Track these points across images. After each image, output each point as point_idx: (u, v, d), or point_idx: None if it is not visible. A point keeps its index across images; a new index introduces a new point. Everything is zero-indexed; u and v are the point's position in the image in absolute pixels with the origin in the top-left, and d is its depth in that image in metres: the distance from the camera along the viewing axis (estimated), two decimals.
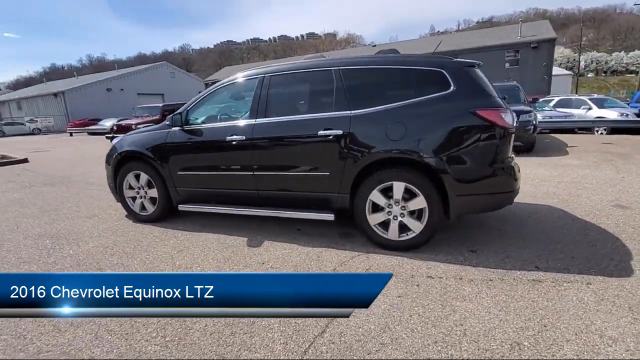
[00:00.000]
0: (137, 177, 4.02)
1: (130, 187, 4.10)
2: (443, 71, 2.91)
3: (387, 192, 2.97)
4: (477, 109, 2.74)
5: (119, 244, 3.46)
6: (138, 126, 12.06)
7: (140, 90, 37.01)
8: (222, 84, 3.79)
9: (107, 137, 14.87)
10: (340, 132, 3.02)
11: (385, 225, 3.04)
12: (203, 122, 3.78)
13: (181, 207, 3.85)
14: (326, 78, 3.22)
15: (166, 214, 4.03)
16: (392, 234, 3.01)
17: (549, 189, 4.87)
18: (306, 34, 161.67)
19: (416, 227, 2.95)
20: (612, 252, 2.86)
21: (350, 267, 2.81)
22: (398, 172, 2.91)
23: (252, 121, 3.39)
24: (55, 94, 34.51)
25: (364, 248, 3.11)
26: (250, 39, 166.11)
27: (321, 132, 3.08)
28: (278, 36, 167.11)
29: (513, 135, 2.89)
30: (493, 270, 2.64)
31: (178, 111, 3.77)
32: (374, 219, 3.05)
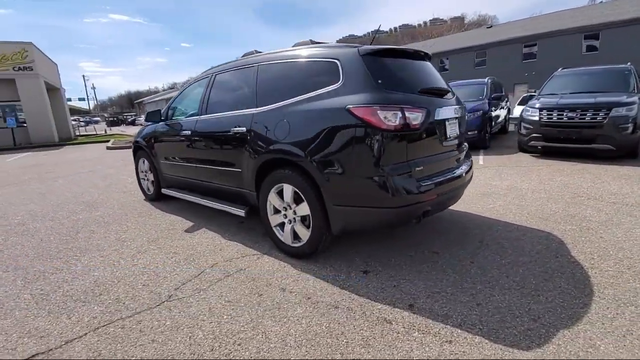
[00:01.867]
0: (144, 163, 4.79)
1: (140, 172, 4.93)
2: (337, 61, 2.50)
3: (282, 195, 2.78)
4: (353, 105, 2.27)
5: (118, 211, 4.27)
6: None
7: None
8: (195, 79, 4.10)
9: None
10: (244, 129, 2.97)
11: (283, 228, 2.87)
12: (175, 117, 4.19)
13: (164, 191, 4.43)
14: (250, 75, 3.16)
15: (160, 196, 4.66)
16: (287, 238, 2.82)
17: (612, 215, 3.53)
18: (429, 20, 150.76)
19: (304, 235, 2.69)
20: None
21: (235, 263, 2.78)
22: (286, 174, 2.68)
23: (197, 118, 3.62)
24: None
25: (270, 249, 3.00)
26: (371, 31, 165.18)
27: (232, 130, 3.08)
28: (399, 25, 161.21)
29: (399, 137, 2.26)
30: (355, 298, 2.21)
31: (167, 105, 4.30)
32: (274, 220, 2.91)
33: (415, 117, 2.29)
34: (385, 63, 2.48)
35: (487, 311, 1.99)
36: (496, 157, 6.79)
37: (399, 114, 2.21)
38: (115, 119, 50.52)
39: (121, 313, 2.16)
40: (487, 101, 7.86)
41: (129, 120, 48.34)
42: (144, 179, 4.88)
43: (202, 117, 3.55)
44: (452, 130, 2.74)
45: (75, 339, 1.93)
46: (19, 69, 16.51)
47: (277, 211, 2.87)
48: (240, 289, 2.39)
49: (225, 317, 2.08)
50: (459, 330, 1.84)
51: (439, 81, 2.87)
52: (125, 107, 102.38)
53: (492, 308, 2.02)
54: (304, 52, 2.77)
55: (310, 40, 2.95)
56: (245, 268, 2.70)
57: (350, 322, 1.96)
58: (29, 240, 3.56)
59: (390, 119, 2.19)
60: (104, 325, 2.04)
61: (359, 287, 2.34)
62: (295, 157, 2.55)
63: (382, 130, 2.18)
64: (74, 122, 27.95)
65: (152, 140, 4.39)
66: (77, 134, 24.72)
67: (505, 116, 10.15)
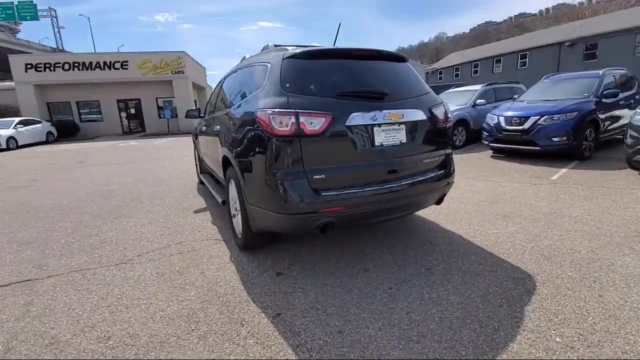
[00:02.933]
0: (195, 152, 5.72)
1: (195, 160, 5.91)
2: (267, 65, 2.52)
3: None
4: (259, 109, 2.27)
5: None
6: None
7: None
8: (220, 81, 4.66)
9: None
10: (218, 128, 3.29)
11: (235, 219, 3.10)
12: (206, 115, 4.84)
13: (200, 177, 5.21)
14: (231, 79, 3.48)
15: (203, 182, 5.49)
16: (237, 229, 3.03)
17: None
18: None
19: (239, 230, 2.85)
20: None
21: (194, 245, 3.17)
22: (230, 171, 2.89)
23: (210, 115, 4.15)
24: None
25: (230, 238, 3.28)
26: (514, 16, 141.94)
27: (215, 129, 3.45)
28: (552, 6, 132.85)
29: (293, 143, 2.14)
30: (243, 294, 2.27)
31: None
32: (232, 210, 3.16)
33: (314, 123, 2.14)
34: (306, 66, 2.38)
35: (341, 345, 1.78)
36: (587, 172, 5.18)
37: (292, 119, 2.12)
38: None
39: (93, 265, 2.82)
40: (594, 100, 6.03)
41: None
42: (196, 166, 5.82)
43: (209, 115, 4.06)
44: (387, 137, 2.40)
45: (57, 275, 2.65)
46: (175, 72, 21.20)
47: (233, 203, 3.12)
48: (176, 265, 2.75)
49: (142, 284, 2.47)
50: (290, 351, 1.73)
51: (380, 83, 2.54)
52: None
53: (346, 346, 1.79)
54: (254, 59, 2.90)
55: (274, 44, 3.01)
56: (197, 249, 3.05)
57: (215, 315, 2.07)
58: (101, 202, 4.81)
59: (283, 124, 2.13)
60: (76, 271, 2.71)
61: (257, 285, 2.38)
62: (230, 157, 2.73)
63: (275, 135, 2.15)
64: None
65: (195, 133, 5.22)
66: None
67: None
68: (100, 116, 21.89)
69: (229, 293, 2.30)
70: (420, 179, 2.55)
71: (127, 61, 20.58)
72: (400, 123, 2.43)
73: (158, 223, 3.80)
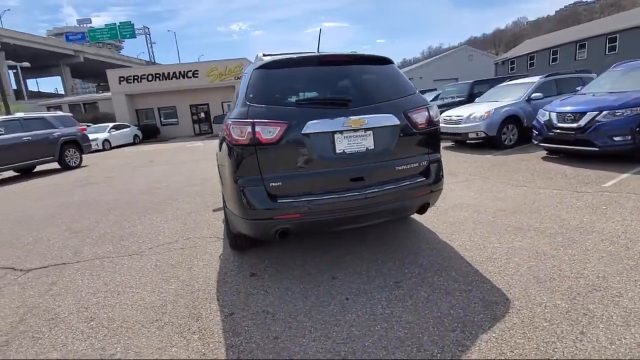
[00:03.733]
0: None
1: None
2: (246, 75, 2.65)
3: None
4: (227, 119, 2.42)
5: None
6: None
7: (435, 77, 39.32)
8: None
9: None
10: (219, 134, 3.52)
11: None
12: None
13: None
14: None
15: None
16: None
17: None
18: None
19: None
20: None
21: (197, 241, 3.46)
22: None
23: None
24: None
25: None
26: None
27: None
28: None
29: (250, 151, 2.22)
30: (211, 291, 2.43)
31: None
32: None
33: (269, 132, 2.18)
34: (274, 76, 2.42)
35: (270, 351, 1.82)
36: None
37: (249, 129, 2.19)
38: None
39: (114, 254, 3.28)
40: None
41: None
42: None
43: None
44: (350, 144, 2.31)
45: (84, 261, 3.16)
46: (237, 77, 22.76)
47: None
48: (174, 259, 3.05)
49: (139, 274, 2.81)
50: (223, 350, 1.83)
51: (347, 89, 2.47)
52: None
53: (274, 352, 1.81)
54: (247, 69, 3.02)
55: (263, 54, 3.10)
56: (198, 246, 3.33)
57: (180, 309, 2.26)
58: (147, 198, 5.48)
59: (242, 133, 2.21)
60: (98, 258, 3.19)
61: (229, 284, 2.52)
62: (217, 163, 2.92)
63: (236, 144, 2.25)
64: None
65: None
66: None
67: None
68: (176, 120, 24.65)
69: (202, 289, 2.49)
70: (392, 187, 2.41)
71: (197, 70, 22.78)
72: (366, 129, 2.34)
73: (179, 220, 4.22)
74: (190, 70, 22.81)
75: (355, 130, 2.31)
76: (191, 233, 3.70)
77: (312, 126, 2.23)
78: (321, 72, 2.52)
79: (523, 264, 2.47)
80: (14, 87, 42.84)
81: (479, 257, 2.62)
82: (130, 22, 36.70)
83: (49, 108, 23.94)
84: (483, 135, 7.38)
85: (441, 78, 38.39)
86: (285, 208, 2.22)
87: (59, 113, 11.44)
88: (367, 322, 1.96)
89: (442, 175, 2.68)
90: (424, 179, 2.55)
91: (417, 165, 2.54)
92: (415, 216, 3.47)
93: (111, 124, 19.06)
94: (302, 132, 2.23)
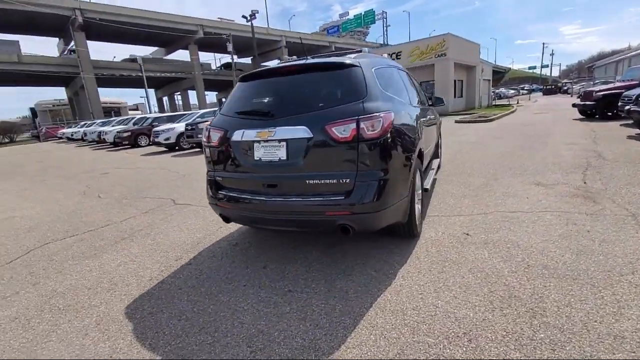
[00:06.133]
0: None
1: None
2: None
3: None
4: None
5: None
6: None
7: None
8: None
9: None
10: None
11: None
12: None
13: None
14: None
15: None
16: None
17: None
18: None
19: None
20: None
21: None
22: None
23: None
24: None
25: None
26: None
27: None
28: None
29: (207, 150, 2.81)
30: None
31: None
32: None
33: (215, 136, 2.70)
34: (243, 87, 2.85)
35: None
36: None
37: (207, 132, 2.79)
38: (552, 86, 47.48)
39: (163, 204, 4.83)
40: None
41: (564, 88, 42.69)
42: None
43: None
44: (266, 153, 2.46)
45: (98, 228, 4.65)
46: (437, 55, 21.22)
47: None
48: (196, 217, 4.15)
49: (138, 256, 3.59)
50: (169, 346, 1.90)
51: (280, 100, 2.58)
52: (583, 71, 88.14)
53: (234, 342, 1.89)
54: None
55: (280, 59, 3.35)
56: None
57: (132, 286, 3.00)
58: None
59: (205, 135, 2.82)
60: (96, 229, 4.62)
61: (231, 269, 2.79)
62: None
63: (204, 143, 2.88)
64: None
65: None
66: (493, 103, 28.03)
67: None
68: None
69: (201, 279, 2.64)
70: (297, 199, 2.36)
71: (400, 51, 23.01)
72: (279, 140, 2.39)
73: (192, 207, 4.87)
74: (394, 52, 23.34)
75: (269, 141, 2.43)
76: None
77: (236, 134, 2.57)
78: (277, 83, 2.68)
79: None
80: None
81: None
82: (372, 10, 41.30)
83: None
84: None
85: None
86: (221, 199, 2.75)
87: None
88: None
89: (374, 198, 2.22)
90: (343, 197, 2.25)
91: (335, 182, 2.28)
92: None
93: None
94: (231, 139, 2.59)
